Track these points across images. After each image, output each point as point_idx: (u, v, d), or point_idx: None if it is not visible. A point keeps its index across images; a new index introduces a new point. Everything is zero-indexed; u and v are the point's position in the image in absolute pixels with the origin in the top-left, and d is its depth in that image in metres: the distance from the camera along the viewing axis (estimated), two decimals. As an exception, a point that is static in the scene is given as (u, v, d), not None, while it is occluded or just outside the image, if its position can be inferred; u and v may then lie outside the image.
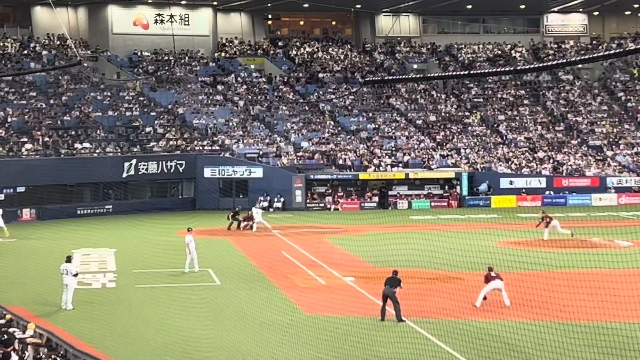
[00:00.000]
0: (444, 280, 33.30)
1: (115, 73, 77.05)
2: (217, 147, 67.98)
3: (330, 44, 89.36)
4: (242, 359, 23.42)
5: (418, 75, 78.48)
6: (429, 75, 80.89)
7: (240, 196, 64.19)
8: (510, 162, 70.48)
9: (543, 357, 22.51)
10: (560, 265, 31.82)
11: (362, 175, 66.75)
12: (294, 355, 23.26)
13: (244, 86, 78.67)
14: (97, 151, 64.19)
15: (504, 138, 75.33)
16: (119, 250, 43.22)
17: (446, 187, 67.55)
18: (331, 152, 69.57)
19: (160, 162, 64.11)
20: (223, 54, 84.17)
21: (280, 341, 24.44)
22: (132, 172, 62.97)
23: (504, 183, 67.60)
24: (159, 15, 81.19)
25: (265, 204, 61.77)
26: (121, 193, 63.90)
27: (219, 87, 77.96)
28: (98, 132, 66.51)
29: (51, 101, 69.33)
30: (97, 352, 23.25)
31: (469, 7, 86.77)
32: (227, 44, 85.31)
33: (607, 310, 24.65)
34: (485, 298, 28.83)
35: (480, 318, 27.27)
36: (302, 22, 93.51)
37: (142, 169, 63.38)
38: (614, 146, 74.50)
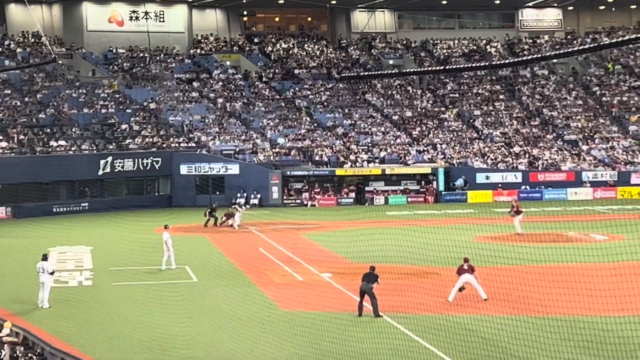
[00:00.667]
0: (421, 276, 33.38)
1: (91, 70, 76.62)
2: (194, 144, 67.80)
3: (306, 40, 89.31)
4: (220, 355, 23.40)
5: (394, 71, 78.85)
6: (404, 70, 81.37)
7: (217, 193, 64.06)
8: (486, 157, 70.70)
9: (520, 351, 22.59)
10: (536, 260, 32.01)
11: (339, 171, 66.68)
12: (271, 351, 23.26)
13: (220, 83, 78.47)
14: (73, 149, 63.88)
15: (480, 133, 75.55)
16: (95, 248, 43.05)
17: (422, 182, 67.57)
18: (307, 148, 69.54)
19: (136, 160, 63.79)
20: (198, 51, 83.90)
21: (258, 337, 24.43)
22: (108, 170, 62.66)
23: (480, 178, 67.77)
24: (133, 12, 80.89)
25: (242, 201, 61.65)
26: (97, 191, 63.58)
27: (195, 84, 77.72)
28: (73, 129, 66.18)
29: (26, 99, 68.91)
30: (74, 350, 23.17)
31: (444, 2, 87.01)
32: (202, 40, 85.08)
33: (583, 304, 24.81)
34: (462, 289, 28.69)
35: (458, 313, 27.37)
36: (277, 19, 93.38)
37: (118, 166, 63.09)
38: (589, 140, 74.84)
